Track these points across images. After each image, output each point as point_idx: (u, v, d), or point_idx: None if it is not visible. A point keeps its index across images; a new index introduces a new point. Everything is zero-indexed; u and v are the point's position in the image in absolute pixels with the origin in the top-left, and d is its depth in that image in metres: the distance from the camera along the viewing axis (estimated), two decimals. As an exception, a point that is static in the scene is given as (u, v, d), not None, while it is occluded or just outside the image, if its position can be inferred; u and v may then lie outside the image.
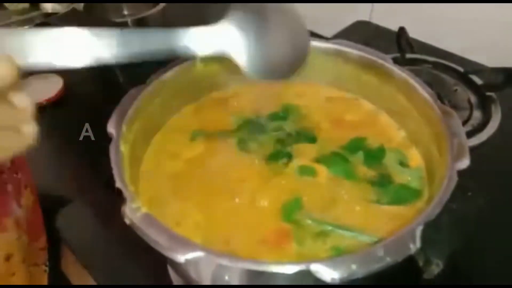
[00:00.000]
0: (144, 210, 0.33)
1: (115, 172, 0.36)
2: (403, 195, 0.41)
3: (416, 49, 0.71)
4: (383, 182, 0.42)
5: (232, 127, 0.49)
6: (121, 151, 0.38)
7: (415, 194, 0.40)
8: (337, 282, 0.28)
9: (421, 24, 0.73)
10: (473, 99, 0.65)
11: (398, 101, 0.47)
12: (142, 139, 0.45)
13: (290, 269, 0.29)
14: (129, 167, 0.39)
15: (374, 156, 0.45)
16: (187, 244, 0.30)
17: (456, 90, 0.66)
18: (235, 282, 0.31)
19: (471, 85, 0.66)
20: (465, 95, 0.65)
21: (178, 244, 0.30)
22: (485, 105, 0.63)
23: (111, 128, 0.40)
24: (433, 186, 0.40)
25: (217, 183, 0.43)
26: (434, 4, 0.72)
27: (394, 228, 0.38)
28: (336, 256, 0.29)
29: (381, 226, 0.38)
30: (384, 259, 0.29)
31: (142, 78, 0.47)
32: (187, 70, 0.49)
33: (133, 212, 0.33)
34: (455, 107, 0.63)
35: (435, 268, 0.31)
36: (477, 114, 0.62)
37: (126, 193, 0.34)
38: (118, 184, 0.35)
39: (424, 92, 0.43)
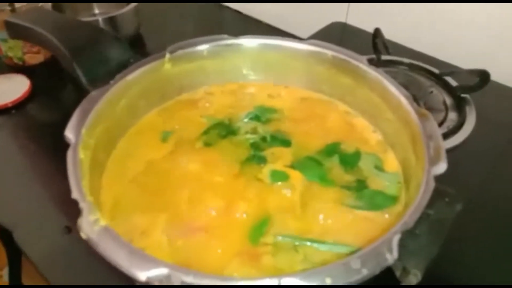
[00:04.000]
0: (103, 222, 0.30)
1: (71, 181, 0.33)
2: (379, 200, 0.39)
3: (392, 51, 0.70)
4: (359, 187, 0.40)
5: (203, 129, 0.47)
6: (79, 158, 0.35)
7: (391, 199, 0.39)
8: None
9: (397, 26, 0.73)
10: (448, 100, 0.64)
11: (373, 103, 0.45)
12: (105, 143, 0.42)
13: (260, 283, 0.27)
14: (90, 174, 0.36)
15: (350, 160, 0.43)
16: (149, 260, 0.28)
17: (431, 92, 0.66)
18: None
19: (446, 86, 0.66)
20: (440, 96, 0.65)
21: (139, 261, 0.28)
22: (460, 106, 0.63)
23: (69, 133, 0.37)
24: (409, 191, 0.38)
25: (186, 189, 0.40)
26: (410, 5, 0.72)
27: (370, 235, 0.36)
28: (309, 268, 0.27)
29: (357, 233, 0.37)
30: (360, 272, 0.27)
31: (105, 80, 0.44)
32: (154, 70, 0.47)
33: (90, 225, 0.30)
34: (430, 109, 0.62)
35: (413, 278, 0.29)
36: (452, 116, 0.62)
37: (82, 205, 0.31)
38: (74, 194, 0.32)
39: (399, 93, 0.42)
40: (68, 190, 0.33)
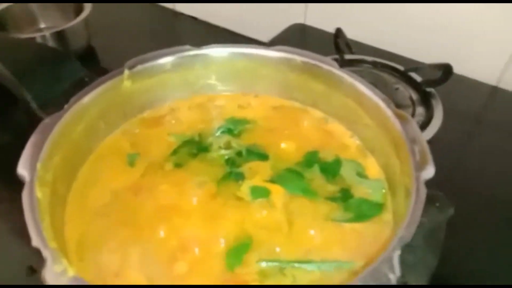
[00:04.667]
0: (70, 273, 0.26)
1: (29, 227, 0.29)
2: (365, 210, 0.38)
3: (355, 50, 0.70)
4: (344, 197, 0.39)
5: (171, 149, 0.44)
6: (36, 197, 0.31)
7: (377, 208, 0.38)
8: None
9: (358, 25, 0.72)
10: (414, 96, 0.64)
11: (349, 108, 0.44)
12: (64, 175, 0.38)
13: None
14: (50, 213, 0.32)
15: (331, 169, 0.41)
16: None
17: (397, 88, 0.66)
18: None
19: (411, 82, 0.66)
20: (406, 93, 0.65)
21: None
22: (426, 101, 0.63)
23: (22, 170, 0.33)
24: (396, 198, 0.37)
25: (157, 219, 0.37)
26: (370, 4, 0.71)
27: (361, 247, 0.35)
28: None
29: (347, 248, 0.35)
30: (361, 300, 0.25)
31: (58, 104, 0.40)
32: (112, 89, 0.43)
33: (56, 277, 0.26)
34: (398, 105, 0.62)
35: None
36: (420, 110, 0.62)
37: (45, 253, 0.27)
38: (34, 242, 0.28)
39: (376, 97, 0.40)
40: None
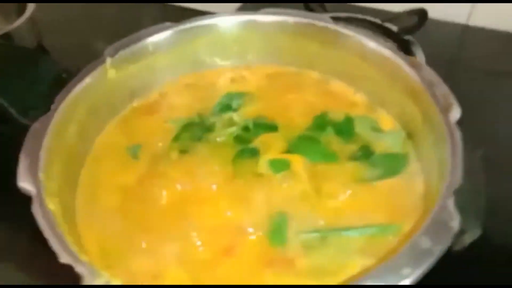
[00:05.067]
0: (116, 282, 0.24)
1: (52, 243, 0.25)
2: (391, 164, 0.36)
3: (328, 8, 0.68)
4: (365, 154, 0.37)
5: (172, 135, 0.40)
6: (49, 210, 0.28)
7: (403, 159, 0.37)
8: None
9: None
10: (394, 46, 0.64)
11: (349, 64, 0.42)
12: (67, 182, 0.34)
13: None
14: (65, 225, 0.29)
15: (345, 128, 0.40)
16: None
17: (377, 41, 0.65)
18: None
19: (389, 33, 0.65)
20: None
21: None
22: (407, 49, 0.62)
23: (24, 183, 0.29)
24: (420, 145, 0.36)
25: (180, 213, 0.34)
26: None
27: (397, 205, 0.34)
28: (379, 263, 0.24)
29: (383, 207, 0.34)
30: (432, 251, 0.24)
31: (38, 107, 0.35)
32: (97, 81, 0.39)
33: (101, 291, 0.23)
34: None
35: (469, 237, 0.27)
36: (403, 60, 0.61)
37: (80, 269, 0.24)
38: (63, 259, 0.25)
39: (382, 47, 0.39)
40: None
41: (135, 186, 0.37)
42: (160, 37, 0.42)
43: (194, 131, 0.41)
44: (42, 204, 0.28)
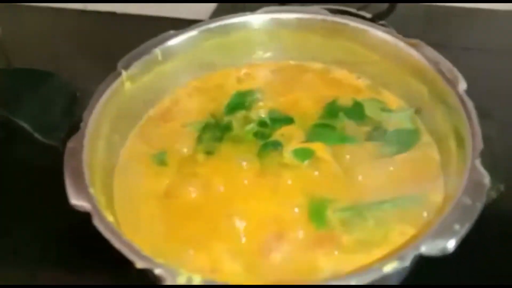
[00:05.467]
0: (197, 278, 0.25)
1: (125, 252, 0.26)
2: (405, 138, 0.39)
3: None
4: (380, 134, 0.40)
5: (193, 139, 0.42)
6: (109, 223, 0.29)
7: (415, 133, 0.40)
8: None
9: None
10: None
11: (350, 51, 0.45)
12: (108, 196, 0.35)
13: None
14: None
15: (356, 112, 0.42)
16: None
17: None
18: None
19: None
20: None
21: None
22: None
23: (76, 201, 0.29)
24: (429, 119, 0.39)
25: (222, 209, 0.35)
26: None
27: (419, 177, 0.36)
28: (431, 225, 0.26)
29: (408, 179, 0.36)
30: (474, 207, 0.27)
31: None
32: (116, 95, 0.40)
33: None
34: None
35: (495, 192, 0.30)
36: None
37: (160, 272, 0.25)
38: (140, 264, 0.26)
39: (379, 32, 0.42)
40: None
41: (169, 191, 0.38)
42: (166, 46, 0.43)
43: (214, 132, 0.42)
44: (102, 217, 0.28)
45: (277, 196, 0.36)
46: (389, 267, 0.25)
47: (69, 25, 0.78)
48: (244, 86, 0.47)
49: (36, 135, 0.36)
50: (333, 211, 0.35)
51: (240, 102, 0.45)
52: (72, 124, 0.36)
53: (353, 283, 0.24)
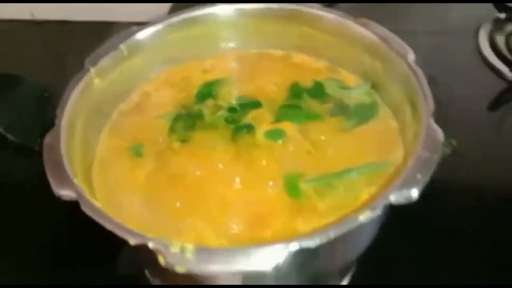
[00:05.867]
0: (190, 247, 0.27)
1: (117, 231, 0.28)
2: (364, 112, 0.43)
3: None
4: (341, 109, 0.43)
5: (166, 129, 0.43)
6: (98, 207, 0.30)
7: (374, 107, 0.43)
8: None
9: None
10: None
11: (308, 36, 0.47)
12: (90, 189, 0.35)
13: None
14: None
15: (317, 92, 0.45)
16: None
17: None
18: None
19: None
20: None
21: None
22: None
23: (61, 191, 0.30)
24: (385, 91, 0.43)
25: (202, 191, 0.37)
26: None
27: (382, 145, 0.40)
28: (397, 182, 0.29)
29: (370, 149, 0.39)
30: (432, 159, 0.30)
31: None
32: (86, 92, 0.40)
33: (179, 256, 0.26)
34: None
35: (449, 147, 0.34)
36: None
37: (154, 245, 0.27)
38: (133, 240, 0.27)
39: (331, 15, 0.45)
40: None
41: (149, 180, 0.39)
42: (131, 42, 0.44)
43: (186, 122, 0.43)
44: (89, 203, 0.29)
45: (253, 175, 0.38)
46: (364, 216, 0.27)
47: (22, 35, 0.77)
48: (210, 77, 0.49)
49: (9, 135, 0.36)
50: (305, 182, 0.37)
51: (208, 91, 0.47)
52: (46, 122, 0.37)
53: (332, 235, 0.27)
